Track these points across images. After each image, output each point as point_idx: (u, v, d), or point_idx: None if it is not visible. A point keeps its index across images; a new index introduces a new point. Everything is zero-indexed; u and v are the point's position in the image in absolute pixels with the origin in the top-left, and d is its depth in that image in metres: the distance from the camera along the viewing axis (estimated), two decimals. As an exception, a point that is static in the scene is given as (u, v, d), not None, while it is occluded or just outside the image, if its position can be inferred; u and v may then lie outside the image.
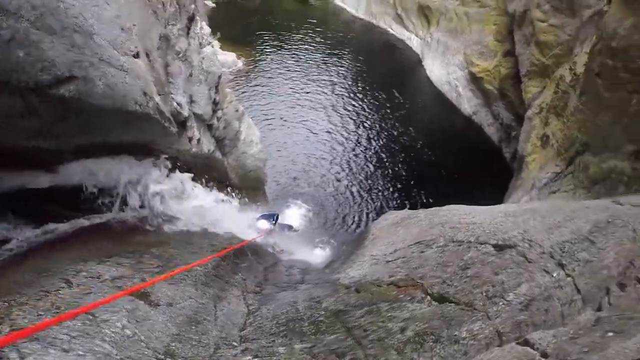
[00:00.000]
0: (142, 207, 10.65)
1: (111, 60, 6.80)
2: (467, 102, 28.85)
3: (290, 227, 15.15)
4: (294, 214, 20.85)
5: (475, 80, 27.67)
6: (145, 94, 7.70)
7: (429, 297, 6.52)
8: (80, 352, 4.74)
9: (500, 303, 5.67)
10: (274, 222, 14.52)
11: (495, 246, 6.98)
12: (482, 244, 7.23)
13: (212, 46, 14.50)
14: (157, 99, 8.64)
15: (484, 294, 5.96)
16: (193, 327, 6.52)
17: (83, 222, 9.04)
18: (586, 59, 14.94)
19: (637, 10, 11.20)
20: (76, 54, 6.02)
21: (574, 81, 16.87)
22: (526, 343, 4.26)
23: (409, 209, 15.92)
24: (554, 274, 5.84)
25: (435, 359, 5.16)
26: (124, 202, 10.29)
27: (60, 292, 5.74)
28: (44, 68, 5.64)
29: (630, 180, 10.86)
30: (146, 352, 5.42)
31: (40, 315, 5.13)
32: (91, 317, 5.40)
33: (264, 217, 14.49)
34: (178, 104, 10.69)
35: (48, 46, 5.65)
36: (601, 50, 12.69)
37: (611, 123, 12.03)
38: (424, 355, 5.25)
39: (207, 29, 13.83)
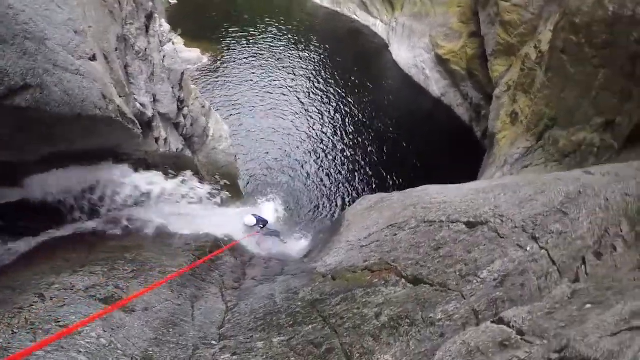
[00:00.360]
0: (113, 211, 10.43)
1: (66, 65, 6.56)
2: (435, 84, 28.94)
3: (277, 233, 14.94)
4: (270, 207, 20.72)
5: (442, 62, 27.76)
6: (104, 97, 7.48)
7: (403, 280, 6.44)
8: None
9: (474, 281, 5.60)
10: (261, 226, 14.33)
11: (467, 224, 6.91)
12: (453, 222, 7.16)
13: (174, 43, 14.29)
14: (118, 101, 8.41)
15: (458, 273, 5.89)
16: (170, 330, 6.44)
17: (54, 233, 8.83)
18: (550, 36, 15.09)
19: (600, -15, 11.26)
20: (29, 61, 5.77)
21: (539, 58, 17.03)
22: (501, 321, 4.16)
23: (382, 192, 15.87)
24: (528, 248, 5.77)
25: (412, 343, 5.07)
26: (96, 209, 10.06)
27: (33, 307, 5.64)
28: None
29: (600, 151, 10.96)
30: (124, 360, 5.31)
31: (15, 332, 5.02)
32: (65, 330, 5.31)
33: (254, 216, 14.34)
34: (141, 104, 10.45)
35: None
36: (565, 27, 12.79)
37: (578, 97, 12.14)
38: (400, 340, 5.16)
39: (166, 26, 13.60)
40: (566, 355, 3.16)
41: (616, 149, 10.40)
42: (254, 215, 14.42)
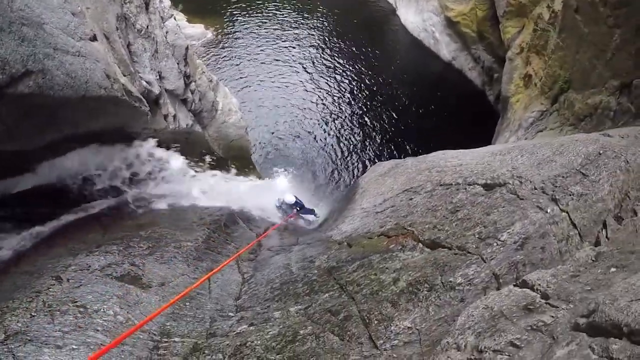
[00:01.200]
0: (128, 190, 10.42)
1: (67, 47, 6.48)
2: (445, 48, 28.39)
3: (312, 211, 14.67)
4: (283, 179, 20.66)
5: (451, 24, 27.14)
6: (108, 76, 7.41)
7: (420, 244, 6.36)
8: (74, 346, 4.69)
9: (494, 244, 5.50)
10: (298, 208, 14.03)
11: (484, 186, 6.79)
12: (470, 184, 7.05)
13: (175, 19, 14.09)
14: (123, 80, 8.32)
15: (477, 235, 5.79)
16: (187, 304, 6.44)
17: (70, 217, 8.85)
18: (564, -5, 14.64)
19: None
20: (28, 47, 5.68)
21: (552, 19, 16.55)
22: (524, 284, 4.07)
23: (395, 158, 15.68)
24: (548, 210, 5.65)
25: (431, 309, 5.01)
26: (109, 190, 10.07)
27: (50, 289, 5.67)
28: None
29: (617, 115, 10.70)
30: (141, 336, 5.34)
31: (33, 316, 5.05)
32: (82, 310, 5.32)
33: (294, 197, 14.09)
34: (147, 82, 10.37)
35: None
36: (578, -14, 12.40)
37: (593, 59, 11.80)
38: (419, 306, 5.09)
39: (167, 2, 13.40)
40: (595, 320, 3.06)
41: (633, 113, 10.14)
42: (294, 195, 14.15)
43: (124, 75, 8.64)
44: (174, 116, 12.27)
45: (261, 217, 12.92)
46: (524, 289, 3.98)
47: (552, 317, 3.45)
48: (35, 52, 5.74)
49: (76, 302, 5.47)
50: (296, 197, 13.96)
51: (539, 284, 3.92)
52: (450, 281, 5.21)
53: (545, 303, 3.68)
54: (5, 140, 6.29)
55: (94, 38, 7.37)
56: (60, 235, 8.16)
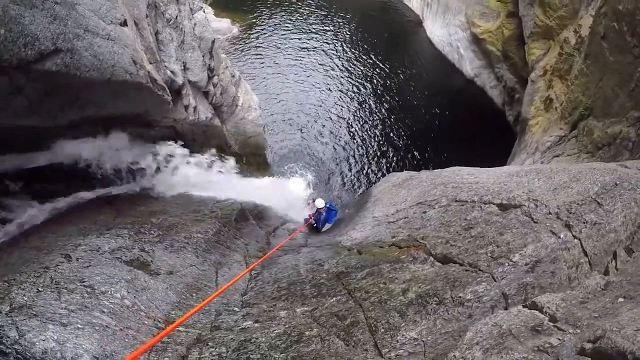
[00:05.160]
0: (142, 177, 10.55)
1: (97, 29, 6.58)
2: (468, 64, 28.40)
3: (335, 213, 14.37)
4: (298, 179, 20.70)
5: (477, 41, 27.16)
6: (135, 62, 7.51)
7: (431, 258, 6.41)
8: (79, 325, 4.73)
9: (506, 264, 5.53)
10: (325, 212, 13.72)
11: (499, 205, 6.82)
12: (486, 203, 7.07)
13: (204, 12, 14.21)
14: (149, 67, 8.43)
15: (489, 254, 5.83)
16: (194, 294, 6.51)
17: (83, 196, 8.98)
18: (591, 21, 14.60)
19: (646, -28, 10.85)
20: (59, 26, 5.78)
21: (578, 44, 16.54)
22: (534, 306, 4.11)
23: (409, 170, 15.67)
24: (561, 235, 5.67)
25: (438, 322, 5.05)
26: (124, 175, 10.20)
27: (59, 267, 5.72)
28: (27, 44, 5.38)
29: (635, 147, 10.65)
30: (146, 322, 5.41)
31: (40, 291, 5.10)
32: (90, 290, 5.38)
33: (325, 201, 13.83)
34: (171, 71, 10.48)
35: (29, 20, 5.38)
36: (607, 13, 12.37)
37: (616, 87, 11.77)
38: (426, 318, 5.13)
39: (197, -6, 13.56)
40: (601, 346, 3.11)
41: (653, 146, 10.14)
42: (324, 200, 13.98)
43: (150, 63, 8.74)
44: (195, 108, 12.38)
45: (272, 215, 12.98)
46: (533, 311, 4.03)
47: (559, 340, 3.50)
48: (65, 32, 5.85)
49: (84, 282, 5.53)
50: (327, 202, 13.68)
51: (548, 307, 3.97)
52: (460, 297, 5.25)
53: (553, 326, 3.73)
54: (27, 115, 6.41)
55: (124, 23, 7.48)
56: (72, 215, 8.28)
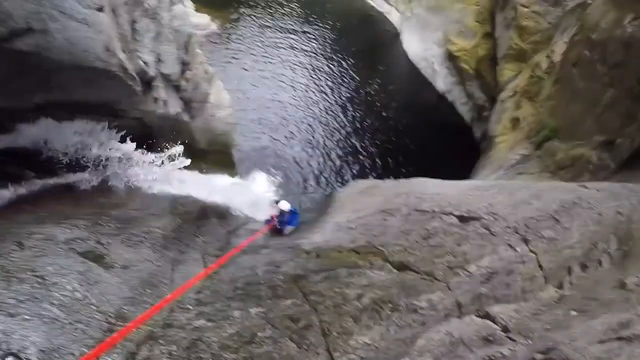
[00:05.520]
0: (103, 168, 10.31)
1: (73, 13, 6.43)
2: (442, 80, 28.72)
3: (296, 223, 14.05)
4: (262, 179, 20.62)
5: (452, 58, 27.51)
6: (107, 49, 7.36)
7: (389, 265, 6.39)
8: (27, 317, 4.60)
9: (462, 274, 5.56)
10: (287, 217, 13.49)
11: (459, 217, 6.87)
12: (446, 214, 7.11)
13: (184, 5, 14.06)
14: (121, 55, 8.25)
15: (446, 264, 5.85)
16: (148, 290, 6.37)
17: (43, 183, 8.71)
18: (564, 48, 14.98)
19: (621, 5, 11.17)
20: (35, 5, 5.64)
21: (550, 69, 16.95)
22: (487, 316, 4.12)
23: (375, 178, 15.76)
24: (518, 249, 5.75)
25: (392, 328, 5.03)
26: (85, 164, 9.93)
27: (11, 254, 5.57)
28: None
29: (595, 169, 10.92)
30: (97, 316, 5.25)
31: None
32: (40, 280, 5.22)
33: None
34: (144, 62, 10.30)
35: None
36: (580, 41, 12.70)
37: (583, 113, 12.08)
38: (380, 324, 5.11)
39: (177, -14, 13.40)
40: (552, 358, 3.11)
41: (612, 169, 10.39)
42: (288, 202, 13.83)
43: (123, 52, 8.57)
44: (165, 101, 12.20)
45: (234, 215, 12.86)
46: (486, 320, 4.04)
47: (511, 350, 3.50)
48: (40, 11, 5.72)
49: (35, 271, 5.37)
50: (291, 206, 13.60)
51: (501, 317, 3.99)
52: (414, 304, 5.24)
53: (505, 336, 3.74)
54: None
55: (101, 9, 7.31)
56: (29, 202, 8.03)
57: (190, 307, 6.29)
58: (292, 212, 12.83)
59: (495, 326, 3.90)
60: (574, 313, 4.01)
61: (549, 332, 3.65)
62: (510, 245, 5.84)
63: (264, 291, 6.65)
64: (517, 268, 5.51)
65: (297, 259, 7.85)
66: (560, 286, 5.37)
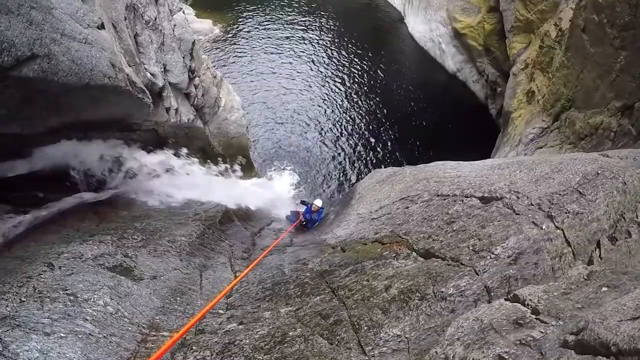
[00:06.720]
0: (123, 184, 10.38)
1: (74, 34, 6.43)
2: (451, 59, 28.50)
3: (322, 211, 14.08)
4: (283, 179, 20.64)
5: (458, 36, 27.27)
6: (113, 65, 7.37)
7: (414, 253, 6.36)
8: (62, 334, 4.63)
9: (488, 257, 5.50)
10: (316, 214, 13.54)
11: (481, 199, 6.80)
12: (467, 196, 7.05)
13: (184, 13, 14.13)
14: (128, 70, 8.30)
15: (471, 248, 5.79)
16: (178, 298, 6.42)
17: (65, 204, 8.80)
18: (572, 14, 14.70)
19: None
20: (36, 31, 5.64)
21: (559, 37, 16.70)
22: (516, 299, 4.07)
23: (394, 166, 15.68)
24: (543, 226, 5.66)
25: (421, 318, 5.01)
26: (105, 181, 10.02)
27: (42, 276, 5.61)
28: (2, 50, 5.26)
29: (617, 136, 10.73)
30: (130, 328, 5.31)
31: (23, 301, 4.99)
32: (72, 298, 5.27)
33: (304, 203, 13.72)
34: (151, 74, 10.37)
35: (5, 26, 5.23)
36: (587, 6, 12.45)
37: (597, 79, 11.87)
38: (409, 314, 5.08)
39: (176, -6, 13.47)
40: (584, 338, 3.06)
41: (634, 135, 10.17)
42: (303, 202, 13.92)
43: (129, 66, 8.63)
44: (176, 110, 12.28)
45: (257, 216, 12.90)
46: (515, 304, 3.98)
47: (542, 332, 3.45)
48: (42, 37, 5.72)
49: (67, 290, 5.41)
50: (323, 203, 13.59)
51: (530, 300, 3.92)
52: (442, 291, 5.20)
53: (536, 318, 3.68)
54: (6, 123, 6.27)
55: (101, 26, 7.34)
56: (54, 222, 8.08)
57: (221, 312, 6.35)
58: (320, 209, 12.89)
59: (524, 309, 3.84)
60: (604, 289, 3.93)
61: (580, 311, 3.58)
62: (535, 223, 5.75)
63: (292, 290, 6.69)
64: (544, 246, 5.42)
65: (323, 255, 7.88)
66: (590, 262, 5.28)
